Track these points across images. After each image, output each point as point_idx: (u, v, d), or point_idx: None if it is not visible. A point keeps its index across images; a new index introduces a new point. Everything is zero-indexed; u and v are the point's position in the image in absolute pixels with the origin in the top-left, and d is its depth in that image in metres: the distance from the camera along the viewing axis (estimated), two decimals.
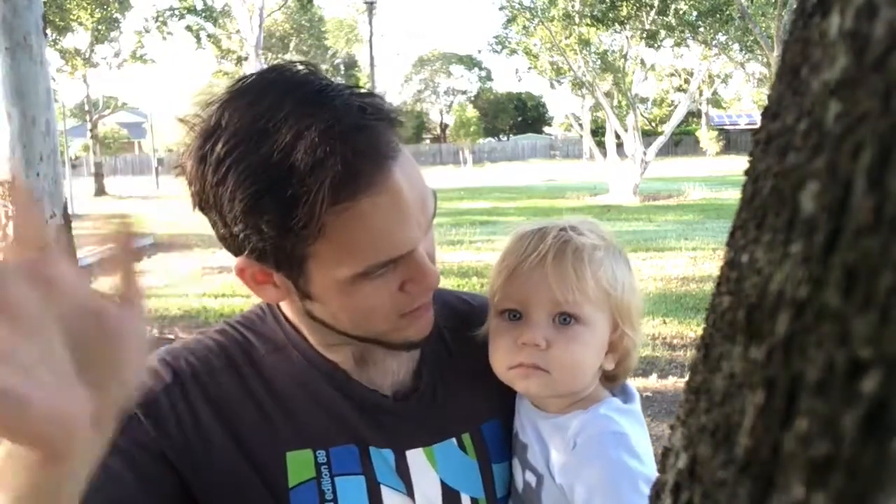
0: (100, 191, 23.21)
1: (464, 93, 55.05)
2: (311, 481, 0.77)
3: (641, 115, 28.50)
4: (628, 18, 16.32)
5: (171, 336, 5.51)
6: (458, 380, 0.89)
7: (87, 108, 24.95)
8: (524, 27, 18.87)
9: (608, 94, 19.62)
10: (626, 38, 17.62)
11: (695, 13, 16.56)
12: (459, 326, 0.92)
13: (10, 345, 0.40)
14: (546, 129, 56.57)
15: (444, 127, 54.18)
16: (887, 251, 0.20)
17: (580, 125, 21.75)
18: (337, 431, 0.80)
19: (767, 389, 0.24)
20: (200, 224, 0.78)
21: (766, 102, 0.32)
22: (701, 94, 26.27)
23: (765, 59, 15.62)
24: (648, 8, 16.03)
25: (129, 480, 0.70)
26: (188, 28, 21.74)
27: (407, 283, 0.76)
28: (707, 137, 39.31)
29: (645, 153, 16.18)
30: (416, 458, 0.82)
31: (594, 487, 0.76)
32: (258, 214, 0.68)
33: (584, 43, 17.46)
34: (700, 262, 8.12)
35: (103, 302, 0.47)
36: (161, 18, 21.52)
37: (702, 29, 17.06)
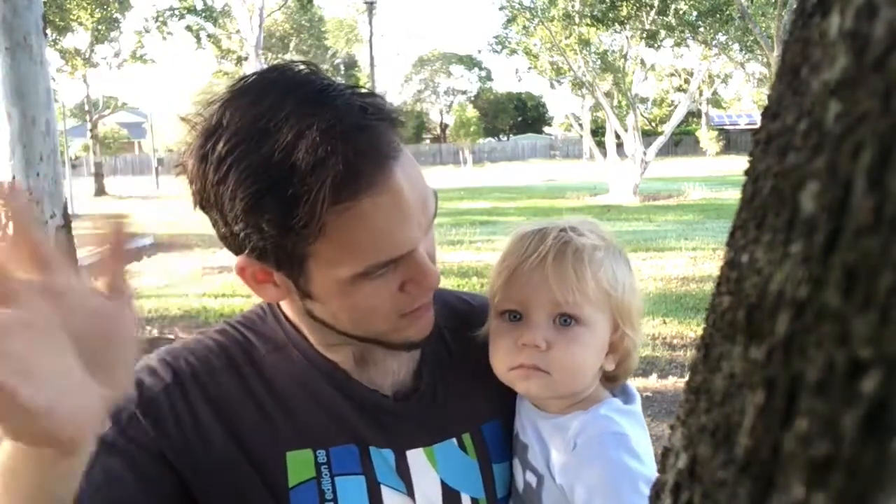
0: (100, 191, 23.22)
1: (464, 93, 55.06)
2: (311, 481, 0.77)
3: (641, 115, 28.50)
4: (628, 18, 16.32)
5: (171, 336, 5.51)
6: (459, 380, 0.89)
7: (87, 108, 24.96)
8: (524, 27, 18.87)
9: (608, 94, 19.62)
10: (626, 38, 17.62)
11: (695, 13, 16.56)
12: (460, 326, 0.92)
13: (29, 357, 0.42)
14: (546, 129, 56.57)
15: (444, 127, 54.19)
16: (887, 251, 0.20)
17: (580, 125, 21.75)
18: (337, 431, 0.80)
19: (767, 389, 0.24)
20: (200, 224, 0.78)
21: (766, 102, 0.32)
22: (701, 94, 26.27)
23: (765, 59, 15.62)
24: (648, 8, 16.03)
25: (129, 480, 0.70)
26: (188, 28, 21.73)
27: (407, 284, 0.76)
28: (707, 137, 39.31)
29: (645, 153, 16.18)
30: (417, 458, 0.82)
31: (594, 488, 0.76)
32: (259, 213, 0.68)
33: (584, 43, 17.46)
34: (700, 262, 8.12)
35: (102, 303, 0.49)
36: (161, 18, 21.52)
37: (702, 29, 17.06)
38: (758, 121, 0.33)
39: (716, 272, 0.34)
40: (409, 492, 0.80)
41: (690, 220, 11.89)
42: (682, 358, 4.78)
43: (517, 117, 55.57)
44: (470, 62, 53.19)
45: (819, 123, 0.25)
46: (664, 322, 5.61)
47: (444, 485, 0.82)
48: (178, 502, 0.74)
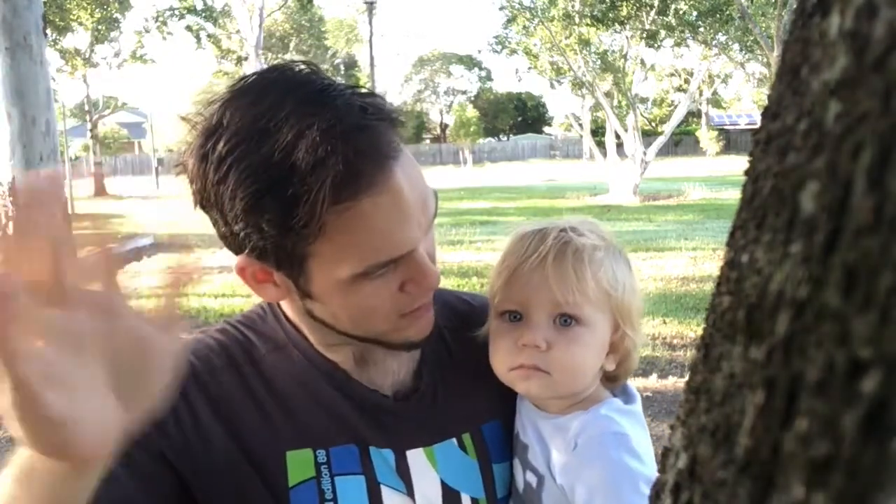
0: (100, 191, 23.22)
1: (464, 93, 55.05)
2: (310, 481, 0.77)
3: (641, 115, 28.51)
4: (628, 18, 16.31)
5: None
6: (459, 380, 0.89)
7: (87, 108, 24.95)
8: (524, 27, 18.86)
9: (608, 94, 19.62)
10: (626, 38, 17.62)
11: (695, 13, 16.56)
12: (460, 326, 0.92)
13: (60, 364, 0.43)
14: (546, 129, 56.56)
15: (444, 127, 54.18)
16: (887, 251, 0.20)
17: (580, 125, 21.74)
18: (337, 431, 0.80)
19: (767, 389, 0.24)
20: (200, 224, 0.78)
21: (766, 102, 0.32)
22: (701, 94, 26.27)
23: (765, 59, 15.62)
24: (648, 8, 16.02)
25: (128, 480, 0.70)
26: (188, 28, 21.74)
27: (407, 284, 0.76)
28: (707, 137, 39.31)
29: (645, 153, 16.18)
30: (417, 458, 0.82)
31: (595, 488, 0.76)
32: (259, 213, 0.68)
33: (584, 43, 17.45)
34: (700, 262, 8.12)
35: (149, 331, 0.49)
36: (161, 18, 21.52)
37: (702, 29, 17.06)
38: (758, 121, 0.33)
39: (716, 272, 0.34)
40: (409, 492, 0.80)
41: (690, 220, 11.89)
42: (682, 358, 4.78)
43: (517, 117, 55.56)
44: (470, 62, 53.18)
45: (819, 123, 0.25)
46: (664, 322, 5.61)
47: (443, 485, 0.82)
48: (177, 502, 0.74)
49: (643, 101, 40.84)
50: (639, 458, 0.77)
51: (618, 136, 17.50)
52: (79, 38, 22.60)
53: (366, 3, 24.55)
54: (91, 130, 24.64)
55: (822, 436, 0.21)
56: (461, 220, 12.19)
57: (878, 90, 0.21)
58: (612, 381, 0.89)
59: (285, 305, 0.84)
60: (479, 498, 0.84)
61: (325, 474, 0.77)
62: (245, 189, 0.68)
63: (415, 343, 0.83)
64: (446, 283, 1.15)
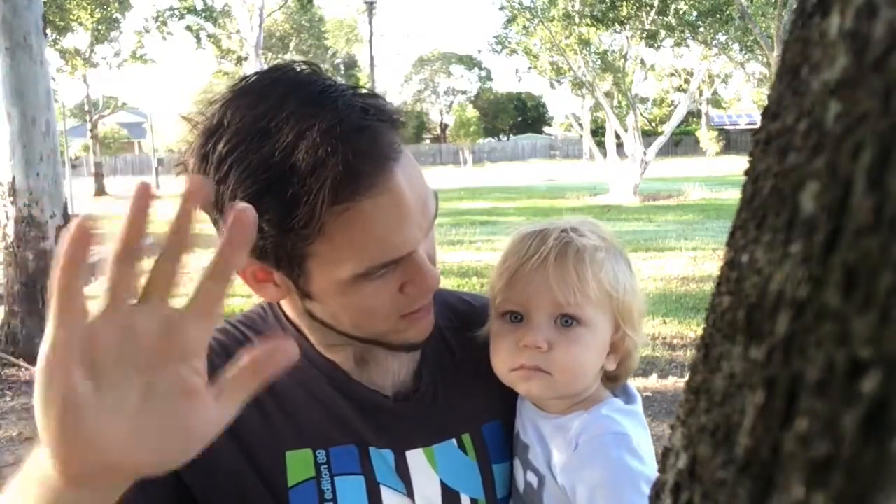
0: (100, 191, 23.21)
1: (464, 93, 55.05)
2: (310, 481, 0.77)
3: (641, 115, 28.50)
4: (628, 18, 16.31)
5: None
6: (459, 380, 0.89)
7: (87, 108, 24.97)
8: (524, 27, 18.87)
9: (608, 94, 19.62)
10: (626, 38, 17.61)
11: (695, 13, 16.56)
12: (460, 327, 0.92)
13: (106, 361, 0.44)
14: (546, 129, 56.56)
15: (444, 127, 54.18)
16: (887, 251, 0.20)
17: (580, 125, 21.75)
18: (337, 431, 0.80)
19: (767, 389, 0.24)
20: (200, 224, 0.78)
21: (766, 102, 0.32)
22: (701, 94, 26.26)
23: (765, 59, 15.62)
24: (648, 8, 16.02)
25: None
26: (188, 28, 21.76)
27: (407, 285, 0.76)
28: (707, 137, 39.32)
29: (645, 153, 16.17)
30: (416, 458, 0.82)
31: (596, 488, 0.76)
32: (259, 213, 0.68)
33: (584, 43, 17.46)
34: (700, 262, 8.12)
35: (202, 386, 0.48)
36: (161, 18, 21.53)
37: (702, 29, 17.06)
38: (758, 121, 0.33)
39: (716, 272, 0.34)
40: (409, 492, 0.80)
41: (690, 220, 11.89)
42: (682, 358, 4.78)
43: (517, 117, 55.56)
44: (470, 62, 53.18)
45: (819, 123, 0.25)
46: (664, 322, 5.61)
47: (443, 485, 0.82)
48: (177, 502, 0.74)
49: (643, 101, 40.83)
50: (639, 458, 0.77)
51: (618, 136, 17.50)
52: (79, 38, 22.62)
53: (366, 3, 24.55)
54: (91, 130, 24.65)
55: (822, 436, 0.21)
56: (461, 220, 12.19)
57: (878, 90, 0.21)
58: (613, 381, 0.89)
59: (285, 305, 0.84)
60: (478, 498, 0.84)
61: (325, 474, 0.77)
62: (245, 189, 0.68)
63: (414, 345, 0.83)
64: (446, 283, 1.15)
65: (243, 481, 0.76)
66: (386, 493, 0.79)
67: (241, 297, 6.59)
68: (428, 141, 52.85)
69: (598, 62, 18.80)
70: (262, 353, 0.48)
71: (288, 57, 31.81)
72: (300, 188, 0.66)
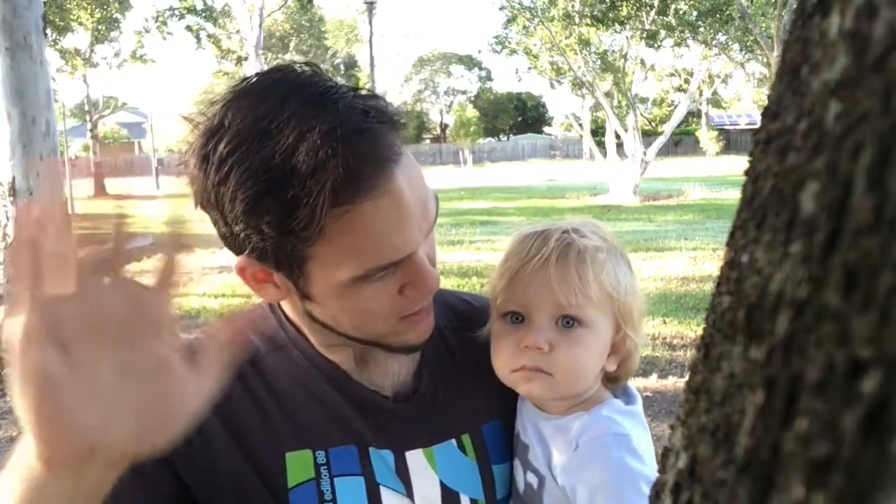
0: (99, 191, 23.21)
1: (464, 93, 55.03)
2: (310, 482, 0.77)
3: (641, 115, 28.50)
4: (628, 18, 16.31)
5: None
6: (459, 381, 0.89)
7: (87, 108, 24.95)
8: (524, 27, 18.86)
9: (608, 94, 19.62)
10: (626, 38, 17.61)
11: (695, 13, 16.55)
12: (460, 327, 0.92)
13: (76, 336, 0.44)
14: (546, 129, 56.54)
15: (444, 127, 54.17)
16: (887, 251, 0.20)
17: (580, 125, 21.74)
18: (337, 432, 0.80)
19: (767, 389, 0.24)
20: (200, 224, 0.78)
21: (766, 102, 0.32)
22: (701, 94, 26.25)
23: (765, 59, 15.62)
24: (648, 8, 16.02)
25: (129, 480, 0.70)
26: (188, 28, 21.76)
27: (407, 287, 0.76)
28: (707, 137, 39.31)
29: (645, 153, 16.17)
30: (416, 458, 0.82)
31: (596, 488, 0.76)
32: (259, 215, 0.68)
33: (584, 43, 17.45)
34: (700, 262, 8.12)
35: (177, 360, 0.48)
36: (161, 18, 21.54)
37: (702, 29, 17.05)
38: (758, 121, 0.33)
39: (716, 272, 0.34)
40: (409, 493, 0.80)
41: (690, 220, 11.88)
42: (682, 358, 4.78)
43: (517, 117, 55.54)
44: (470, 62, 53.17)
45: (819, 123, 0.25)
46: (664, 322, 5.61)
47: (443, 486, 0.82)
48: (178, 502, 0.74)
49: (643, 101, 40.83)
50: (640, 459, 0.77)
51: (618, 136, 17.49)
52: (79, 38, 22.62)
53: (366, 3, 24.55)
54: (91, 130, 24.64)
55: (822, 436, 0.21)
56: (461, 220, 12.18)
57: (878, 90, 0.21)
58: (613, 381, 0.89)
59: (286, 306, 0.84)
60: (478, 499, 0.84)
61: (325, 475, 0.77)
62: (245, 190, 0.68)
63: (414, 346, 0.83)
64: (446, 283, 1.15)
65: (243, 482, 0.76)
66: (385, 493, 0.79)
67: (241, 298, 6.60)
68: (428, 141, 52.84)
69: (598, 62, 18.79)
70: (234, 321, 0.49)
71: (288, 57, 31.83)
72: (300, 190, 0.66)
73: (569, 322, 0.81)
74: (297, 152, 0.66)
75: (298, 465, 0.77)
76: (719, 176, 21.31)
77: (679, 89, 37.83)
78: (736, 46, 18.20)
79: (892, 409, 0.19)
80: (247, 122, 0.69)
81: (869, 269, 0.21)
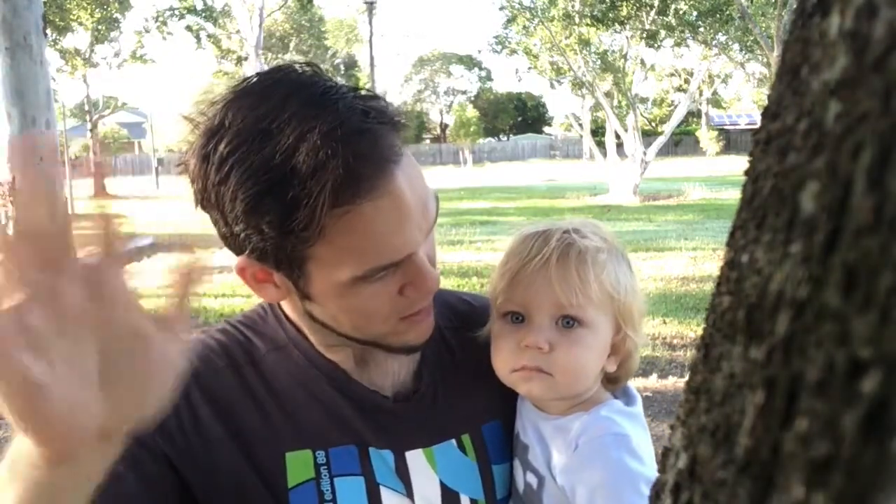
0: (99, 191, 23.19)
1: (464, 93, 55.04)
2: (310, 482, 0.77)
3: (641, 115, 28.51)
4: (628, 18, 16.31)
5: None
6: (459, 381, 0.89)
7: (87, 108, 24.97)
8: (524, 27, 18.86)
9: (608, 94, 19.62)
10: (626, 38, 17.61)
11: (695, 13, 16.55)
12: (460, 327, 0.92)
13: (47, 335, 0.42)
14: (546, 129, 56.54)
15: (444, 127, 54.17)
16: (887, 251, 0.20)
17: (580, 125, 21.74)
18: (337, 432, 0.80)
19: (767, 389, 0.24)
20: (200, 224, 0.78)
21: (766, 102, 0.32)
22: (701, 94, 26.26)
23: (765, 59, 15.62)
24: (648, 8, 16.02)
25: (130, 480, 0.70)
26: (188, 28, 21.77)
27: (406, 287, 0.76)
28: (707, 137, 39.31)
29: (645, 153, 16.17)
30: (416, 458, 0.82)
31: (596, 489, 0.76)
32: (259, 215, 0.68)
33: (584, 43, 17.45)
34: (700, 262, 8.12)
35: (148, 324, 0.48)
36: (161, 18, 21.54)
37: (702, 29, 17.05)
38: (758, 121, 0.33)
39: (716, 272, 0.34)
40: (408, 493, 0.80)
41: (690, 220, 11.88)
42: (682, 358, 4.78)
43: (517, 117, 55.54)
44: (470, 62, 53.17)
45: (819, 123, 0.25)
46: (664, 322, 5.61)
47: (443, 486, 0.82)
48: (178, 502, 0.74)
49: (643, 101, 40.84)
50: (639, 459, 0.77)
51: (618, 136, 17.49)
52: (79, 38, 22.63)
53: (366, 3, 24.55)
54: (91, 130, 24.65)
55: (822, 436, 0.21)
56: (461, 220, 12.18)
57: (878, 90, 0.21)
58: (613, 382, 0.89)
59: (286, 306, 0.84)
60: (478, 499, 0.84)
61: (325, 475, 0.78)
62: (246, 190, 0.68)
63: (414, 347, 0.83)
64: (446, 283, 1.15)
65: (243, 482, 0.76)
66: (385, 493, 0.79)
67: (241, 298, 6.60)
68: (428, 141, 52.84)
69: (598, 62, 18.79)
70: (186, 263, 0.49)
71: (288, 57, 31.84)
72: (300, 191, 0.66)
73: (569, 322, 0.81)
74: (297, 152, 0.66)
75: (298, 465, 0.77)
76: (719, 176, 21.32)
77: (679, 89, 37.84)
78: (736, 46, 18.21)
79: (892, 409, 0.19)
80: (247, 122, 0.69)
81: (869, 269, 0.21)
